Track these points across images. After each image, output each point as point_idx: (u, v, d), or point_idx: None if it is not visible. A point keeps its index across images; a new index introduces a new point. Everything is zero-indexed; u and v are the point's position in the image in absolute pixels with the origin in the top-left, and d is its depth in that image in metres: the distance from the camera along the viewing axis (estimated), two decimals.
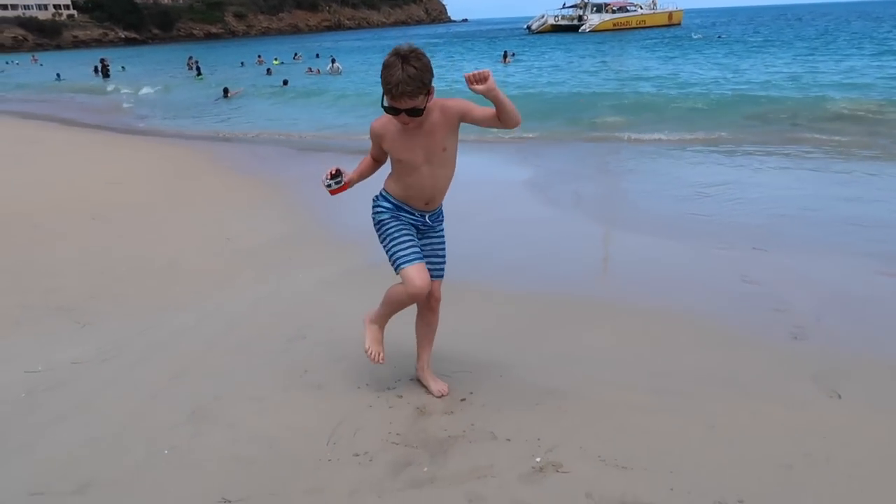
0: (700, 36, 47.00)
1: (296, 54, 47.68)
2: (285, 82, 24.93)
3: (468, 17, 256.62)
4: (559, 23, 72.24)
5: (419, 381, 3.60)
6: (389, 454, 2.99)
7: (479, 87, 2.73)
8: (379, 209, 3.23)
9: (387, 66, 2.78)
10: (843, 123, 12.19)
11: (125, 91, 29.03)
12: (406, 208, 3.20)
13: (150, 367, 3.91)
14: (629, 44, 45.91)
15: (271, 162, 11.42)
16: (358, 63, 39.06)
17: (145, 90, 28.19)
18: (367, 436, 3.15)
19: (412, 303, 3.28)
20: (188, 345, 4.20)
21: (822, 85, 17.47)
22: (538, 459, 2.91)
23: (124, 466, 2.96)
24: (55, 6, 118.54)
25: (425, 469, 2.88)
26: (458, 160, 3.15)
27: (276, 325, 4.47)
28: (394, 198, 3.20)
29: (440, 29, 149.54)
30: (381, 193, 3.25)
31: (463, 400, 3.44)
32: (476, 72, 2.74)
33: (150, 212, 7.78)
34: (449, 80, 21.98)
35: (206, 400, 3.51)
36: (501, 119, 2.87)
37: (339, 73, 31.21)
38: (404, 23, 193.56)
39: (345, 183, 3.30)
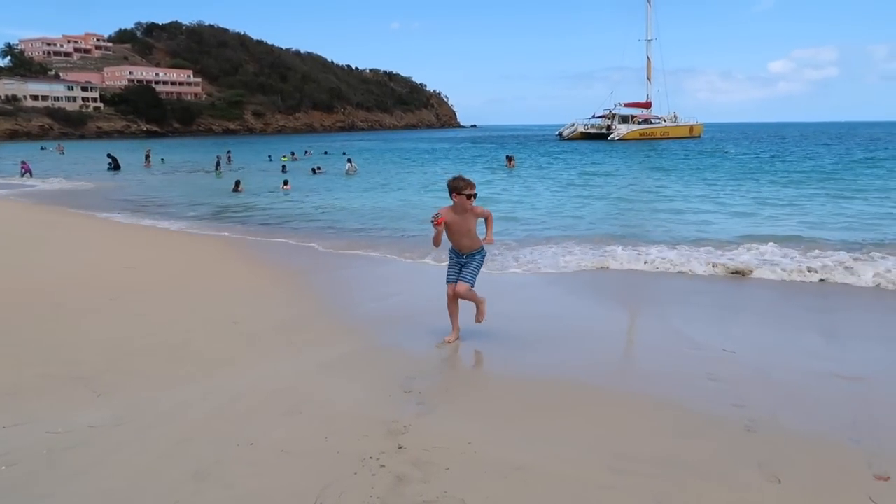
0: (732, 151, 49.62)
1: (306, 151, 50.21)
2: (286, 183, 24.51)
3: (476, 124, 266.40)
4: (589, 131, 78.02)
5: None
6: None
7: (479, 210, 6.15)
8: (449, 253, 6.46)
9: (457, 178, 6.06)
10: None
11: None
12: (454, 251, 6.38)
13: (159, 433, 4.31)
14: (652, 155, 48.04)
15: (278, 253, 12.06)
16: (368, 162, 40.91)
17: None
18: (351, 499, 3.53)
19: (449, 299, 6.39)
20: (194, 414, 4.62)
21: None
22: None
23: None
24: (83, 99, 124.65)
25: None
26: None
27: (274, 400, 4.89)
28: (451, 248, 6.39)
29: (462, 133, 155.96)
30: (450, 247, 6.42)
31: (444, 470, 3.83)
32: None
33: (163, 295, 8.32)
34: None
35: (207, 463, 3.90)
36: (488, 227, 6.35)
37: (356, 173, 31.99)
38: (415, 126, 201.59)
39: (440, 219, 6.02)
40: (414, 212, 17.46)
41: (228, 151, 45.74)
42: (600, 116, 78.30)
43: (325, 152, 52.33)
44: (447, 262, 6.50)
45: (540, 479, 3.76)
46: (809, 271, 8.97)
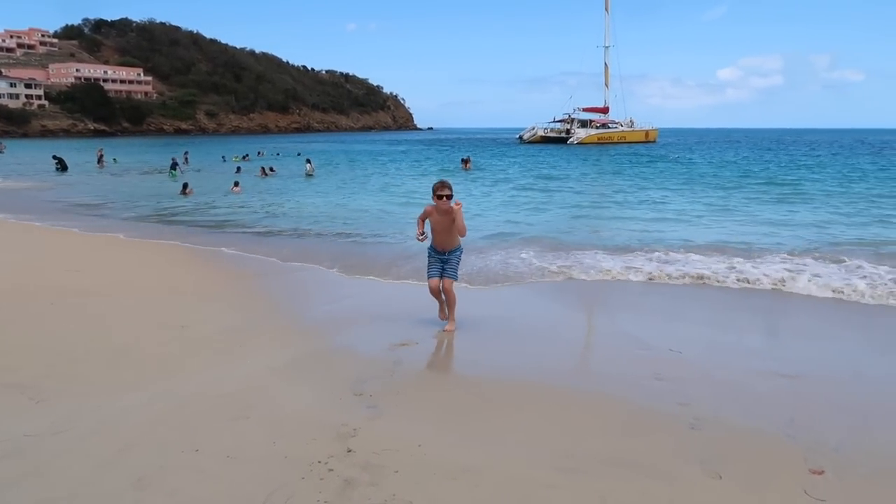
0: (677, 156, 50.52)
1: (259, 152, 49.57)
2: (236, 185, 23.51)
3: (433, 126, 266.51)
4: (548, 135, 79.38)
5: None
6: None
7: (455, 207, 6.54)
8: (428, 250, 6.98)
9: (435, 183, 6.65)
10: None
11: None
12: (433, 248, 6.90)
13: (100, 440, 4.19)
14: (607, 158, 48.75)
15: (229, 256, 11.84)
16: (325, 164, 40.54)
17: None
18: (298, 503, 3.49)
19: (433, 294, 6.97)
20: (137, 421, 4.50)
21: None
22: None
23: None
24: (27, 96, 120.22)
25: None
26: None
27: (221, 405, 4.80)
28: (431, 245, 6.90)
29: (419, 135, 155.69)
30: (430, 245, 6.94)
31: (394, 472, 3.82)
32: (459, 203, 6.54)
33: (107, 299, 8.08)
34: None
35: (150, 469, 3.81)
36: (459, 229, 6.67)
37: (314, 174, 31.48)
38: (371, 128, 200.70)
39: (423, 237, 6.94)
40: (372, 216, 17.39)
41: (186, 152, 44.69)
42: (560, 120, 79.84)
43: (278, 154, 51.58)
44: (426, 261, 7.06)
45: (489, 479, 3.79)
46: (750, 282, 9.23)
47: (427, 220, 6.88)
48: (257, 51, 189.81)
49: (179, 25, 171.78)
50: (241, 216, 17.19)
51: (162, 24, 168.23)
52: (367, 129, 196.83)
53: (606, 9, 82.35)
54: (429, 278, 6.93)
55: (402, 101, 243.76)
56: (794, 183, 26.53)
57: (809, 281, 8.96)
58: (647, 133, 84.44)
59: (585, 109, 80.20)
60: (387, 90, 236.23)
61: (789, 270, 9.53)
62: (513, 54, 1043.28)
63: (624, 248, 11.93)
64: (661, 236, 13.41)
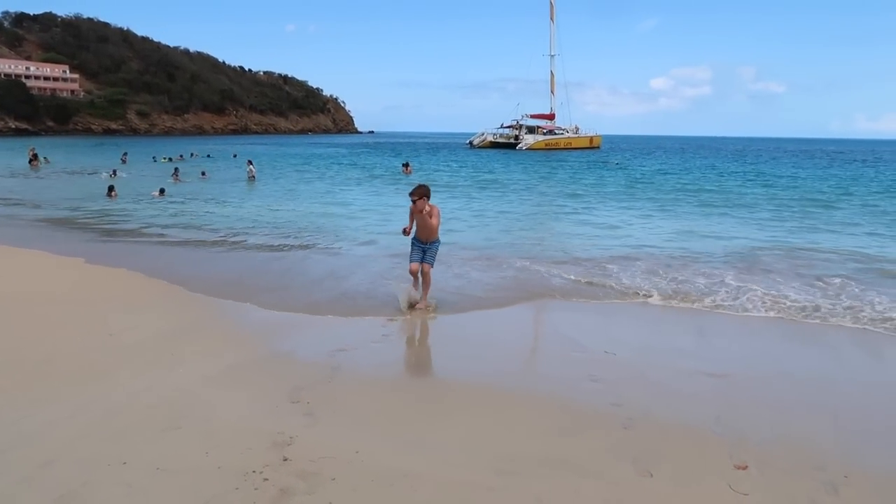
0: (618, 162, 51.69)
1: (192, 153, 48.24)
2: (161, 192, 22.44)
3: (374, 130, 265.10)
4: (498, 140, 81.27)
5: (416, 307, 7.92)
6: None
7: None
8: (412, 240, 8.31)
9: (413, 189, 7.95)
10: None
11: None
12: (417, 239, 8.23)
13: (20, 456, 4.00)
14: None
15: (161, 260, 11.48)
16: (264, 166, 39.72)
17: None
18: None
19: (412, 275, 8.27)
20: (60, 434, 4.32)
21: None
22: None
23: None
24: None
25: None
26: None
27: (151, 416, 4.66)
28: (415, 236, 8.24)
29: (361, 138, 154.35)
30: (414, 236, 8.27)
31: (331, 480, 3.78)
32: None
33: (27, 307, 7.72)
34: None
35: (75, 485, 3.66)
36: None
37: (254, 179, 30.49)
38: (311, 131, 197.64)
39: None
40: (309, 222, 17.16)
41: (125, 153, 43.08)
42: (508, 126, 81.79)
43: (209, 155, 50.15)
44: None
45: (427, 485, 3.80)
46: (683, 299, 9.55)
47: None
48: (192, 50, 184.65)
49: (109, 22, 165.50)
50: (166, 219, 16.61)
51: (90, 19, 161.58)
52: (307, 131, 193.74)
53: (552, 18, 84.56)
54: (410, 262, 8.35)
55: (342, 104, 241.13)
56: (726, 191, 27.64)
57: (737, 298, 9.32)
58: (591, 139, 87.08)
59: (533, 116, 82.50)
60: (327, 93, 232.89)
61: (710, 280, 9.91)
62: (454, 59, 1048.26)
63: (566, 257, 12.16)
64: (608, 244, 13.72)
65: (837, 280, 9.72)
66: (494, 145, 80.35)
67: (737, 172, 40.40)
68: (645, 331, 7.48)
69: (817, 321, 7.88)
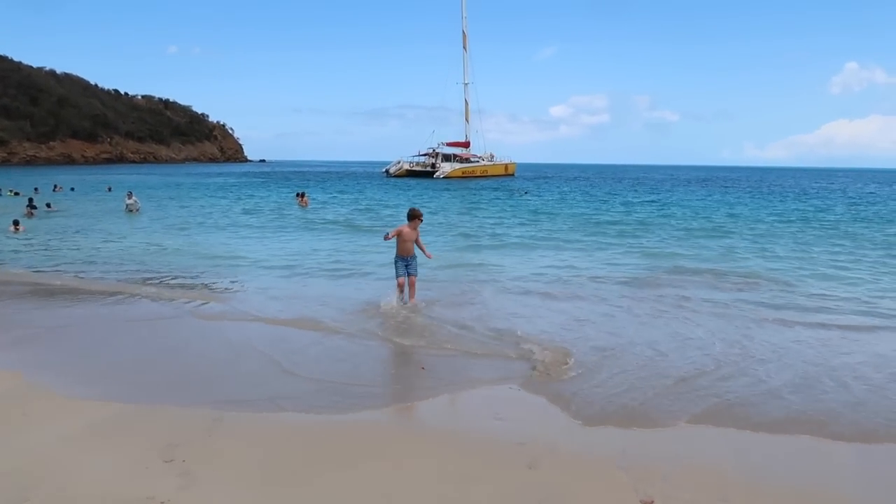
0: (526, 192, 52.43)
1: (55, 186, 44.93)
2: (16, 224, 20.91)
3: (266, 158, 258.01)
4: (414, 168, 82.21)
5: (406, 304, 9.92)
6: None
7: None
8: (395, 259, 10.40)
9: (412, 209, 10.49)
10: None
11: None
12: (399, 256, 10.28)
13: None
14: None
15: (11, 307, 10.62)
16: (146, 198, 37.81)
17: None
18: None
19: (400, 288, 10.23)
20: None
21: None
22: None
23: None
24: None
25: None
26: None
27: None
28: (396, 255, 10.34)
29: (252, 167, 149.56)
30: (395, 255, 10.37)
31: None
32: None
33: None
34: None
35: None
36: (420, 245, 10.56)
37: (138, 211, 28.80)
38: (196, 160, 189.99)
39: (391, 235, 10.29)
40: (188, 260, 16.44)
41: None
42: (424, 154, 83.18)
43: (73, 188, 46.83)
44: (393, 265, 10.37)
45: None
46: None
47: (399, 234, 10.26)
48: (59, 71, 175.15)
49: None
50: (29, 258, 15.47)
51: None
52: (192, 160, 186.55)
53: (465, 47, 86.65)
54: (397, 277, 10.32)
55: (230, 131, 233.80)
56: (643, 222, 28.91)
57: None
58: (506, 166, 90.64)
59: (449, 144, 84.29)
60: (213, 118, 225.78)
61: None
62: (350, 85, 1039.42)
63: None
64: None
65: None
66: (411, 174, 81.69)
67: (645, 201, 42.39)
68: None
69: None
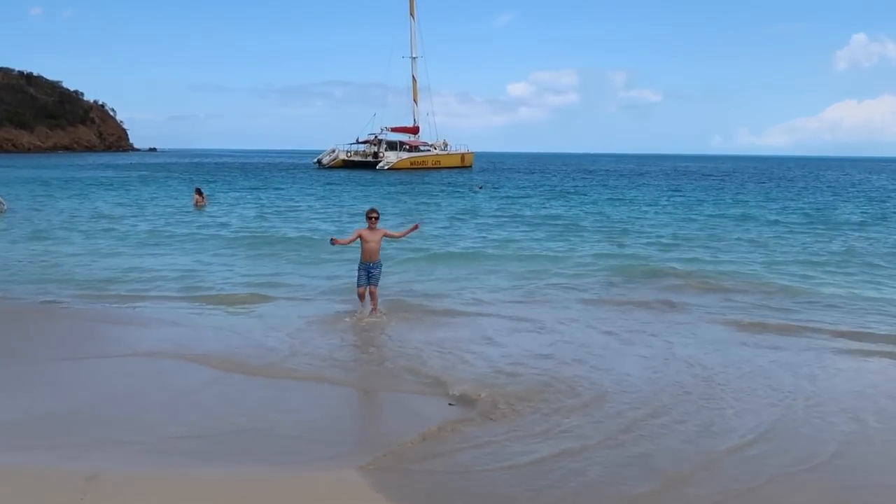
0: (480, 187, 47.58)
1: None
2: None
3: (157, 147, 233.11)
4: (352, 158, 73.83)
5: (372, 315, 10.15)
6: None
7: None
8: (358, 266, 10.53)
9: (369, 210, 10.43)
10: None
11: None
12: (362, 263, 10.38)
13: None
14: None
15: None
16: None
17: None
18: None
19: (360, 298, 10.44)
20: None
21: None
22: None
23: None
24: None
25: None
26: None
27: None
28: (360, 260, 10.42)
29: (140, 157, 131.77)
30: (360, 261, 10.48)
31: None
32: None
33: None
34: None
35: None
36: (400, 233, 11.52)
37: (3, 212, 26.24)
38: (69, 148, 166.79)
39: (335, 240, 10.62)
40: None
41: None
42: (365, 142, 74.26)
43: None
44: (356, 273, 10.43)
45: None
46: None
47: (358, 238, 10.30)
48: None
49: None
50: None
51: None
52: (63, 149, 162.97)
53: (412, 13, 76.71)
54: (358, 286, 10.33)
55: (111, 113, 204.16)
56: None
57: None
58: (462, 157, 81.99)
59: (394, 129, 75.33)
60: (90, 97, 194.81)
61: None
62: (261, 58, 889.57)
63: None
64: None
65: None
66: (349, 164, 73.36)
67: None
68: None
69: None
